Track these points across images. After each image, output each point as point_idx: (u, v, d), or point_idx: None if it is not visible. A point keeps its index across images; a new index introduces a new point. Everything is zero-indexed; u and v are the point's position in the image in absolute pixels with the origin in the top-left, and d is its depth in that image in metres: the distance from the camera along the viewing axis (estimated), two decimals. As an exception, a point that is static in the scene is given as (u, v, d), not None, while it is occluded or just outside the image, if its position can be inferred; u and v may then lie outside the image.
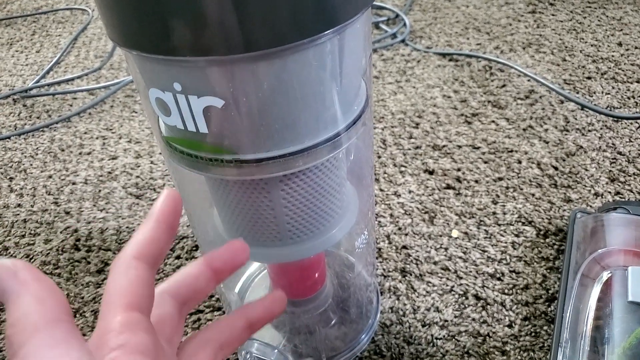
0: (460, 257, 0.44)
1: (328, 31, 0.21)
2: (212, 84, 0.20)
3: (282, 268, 0.35)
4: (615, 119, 0.60)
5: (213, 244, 0.34)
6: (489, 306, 0.40)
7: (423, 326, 0.39)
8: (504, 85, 0.68)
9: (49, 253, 0.48)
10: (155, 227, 0.21)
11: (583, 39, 0.79)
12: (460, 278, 0.42)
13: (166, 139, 0.25)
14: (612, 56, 0.73)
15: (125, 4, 0.19)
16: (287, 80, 0.21)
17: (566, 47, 0.77)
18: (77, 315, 0.42)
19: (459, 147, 0.57)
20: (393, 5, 0.94)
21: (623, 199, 0.48)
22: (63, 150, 0.63)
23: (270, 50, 0.20)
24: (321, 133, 0.24)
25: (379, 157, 0.57)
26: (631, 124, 0.59)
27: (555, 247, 0.44)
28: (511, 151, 0.56)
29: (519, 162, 0.54)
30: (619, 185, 0.50)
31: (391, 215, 0.49)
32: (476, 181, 0.52)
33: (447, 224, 0.48)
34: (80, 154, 0.62)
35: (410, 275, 0.43)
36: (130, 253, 0.20)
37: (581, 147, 0.56)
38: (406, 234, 0.47)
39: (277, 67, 0.20)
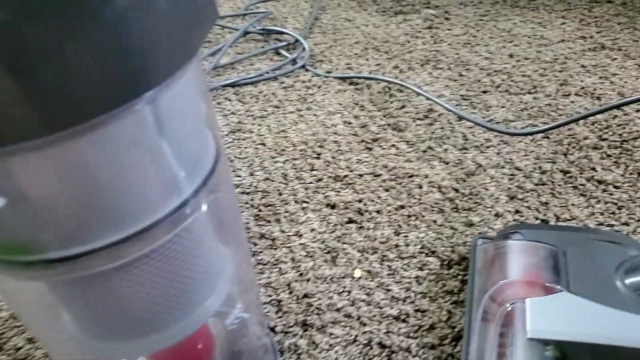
0: (363, 301, 0.41)
1: (140, 97, 0.17)
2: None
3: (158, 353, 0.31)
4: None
5: (66, 344, 0.29)
6: (394, 354, 0.37)
7: (326, 386, 0.36)
8: (403, 107, 0.67)
9: None
10: None
11: (477, 52, 0.80)
12: (364, 325, 0.39)
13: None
14: (505, 68, 0.75)
15: None
16: (92, 162, 0.17)
17: (462, 61, 0.78)
18: None
19: (360, 176, 0.55)
20: (293, 29, 0.93)
21: (520, 221, 0.48)
22: None
23: (62, 133, 0.16)
24: (158, 209, 0.21)
25: (280, 194, 0.54)
26: (525, 137, 0.60)
27: (459, 277, 0.43)
28: (412, 176, 0.55)
29: (420, 187, 0.53)
30: (518, 203, 0.50)
31: (292, 260, 0.46)
32: (378, 211, 0.50)
33: (350, 262, 0.45)
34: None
35: (312, 328, 0.40)
36: None
37: (480, 165, 0.56)
38: (308, 280, 0.44)
39: (75, 150, 0.17)
